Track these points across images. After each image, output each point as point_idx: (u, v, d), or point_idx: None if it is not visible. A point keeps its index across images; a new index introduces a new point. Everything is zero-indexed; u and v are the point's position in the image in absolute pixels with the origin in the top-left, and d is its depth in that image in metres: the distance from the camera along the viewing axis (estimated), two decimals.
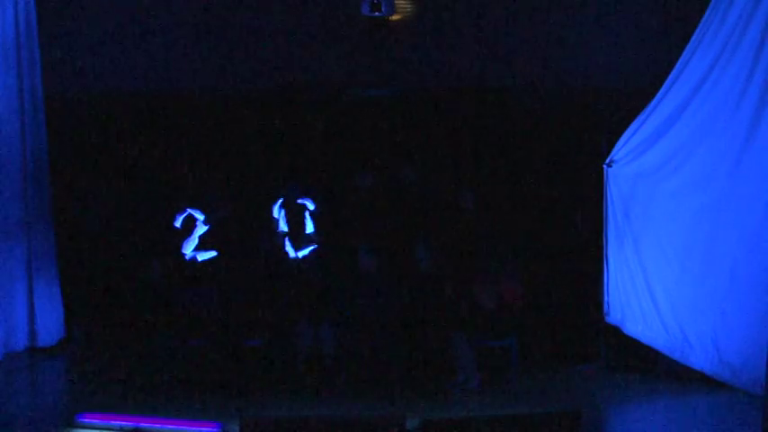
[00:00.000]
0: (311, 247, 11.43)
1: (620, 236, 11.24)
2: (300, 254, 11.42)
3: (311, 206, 11.51)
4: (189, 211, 11.56)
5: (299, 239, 11.48)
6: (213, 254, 11.46)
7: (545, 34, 12.74)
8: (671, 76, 10.80)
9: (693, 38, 10.64)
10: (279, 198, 11.57)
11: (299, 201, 11.53)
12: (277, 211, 11.54)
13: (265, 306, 11.01)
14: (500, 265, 11.24)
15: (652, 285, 10.99)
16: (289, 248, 11.47)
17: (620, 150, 11.23)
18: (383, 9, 12.63)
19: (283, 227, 11.50)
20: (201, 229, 11.52)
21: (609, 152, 11.32)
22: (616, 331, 11.33)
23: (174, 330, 10.93)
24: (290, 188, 11.75)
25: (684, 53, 10.70)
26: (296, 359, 10.78)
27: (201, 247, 11.49)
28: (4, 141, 11.88)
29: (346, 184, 12.28)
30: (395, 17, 12.86)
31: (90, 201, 12.63)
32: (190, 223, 11.55)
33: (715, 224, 10.46)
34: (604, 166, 11.35)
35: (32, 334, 12.17)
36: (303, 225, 11.52)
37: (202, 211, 11.58)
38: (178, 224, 11.53)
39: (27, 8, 12.07)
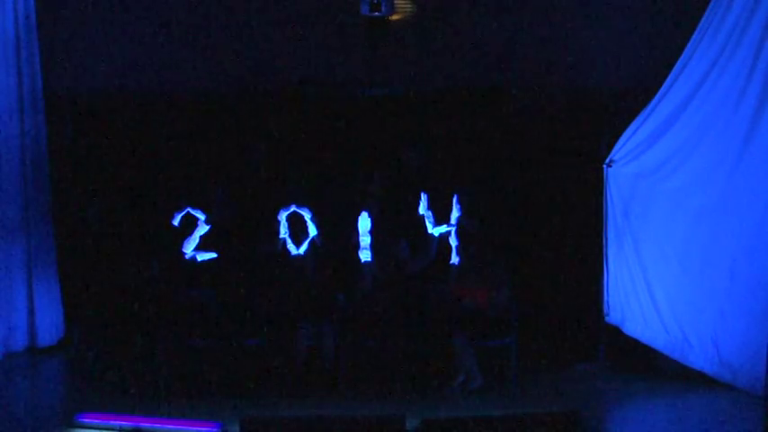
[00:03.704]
0: (309, 239, 11.45)
1: (620, 236, 11.25)
2: (301, 249, 11.44)
3: (308, 215, 11.52)
4: (188, 209, 11.56)
5: (300, 239, 11.49)
6: (213, 255, 11.46)
7: (545, 34, 12.74)
8: (671, 76, 10.81)
9: (693, 38, 10.65)
10: (284, 206, 11.57)
11: (298, 210, 11.55)
12: (281, 218, 11.55)
13: (265, 306, 11.01)
14: (498, 266, 11.25)
15: (652, 285, 10.99)
16: (291, 246, 11.49)
17: (620, 150, 11.24)
18: (383, 9, 12.63)
19: (284, 232, 11.51)
20: (203, 228, 11.52)
21: (609, 152, 11.33)
22: (616, 331, 11.34)
23: (174, 330, 10.93)
24: (292, 192, 11.76)
25: (684, 53, 10.71)
26: (296, 359, 10.78)
27: (202, 247, 11.50)
28: (3, 141, 11.89)
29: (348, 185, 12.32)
30: (395, 17, 12.86)
31: (90, 201, 12.61)
32: (190, 223, 11.55)
33: (714, 224, 10.46)
34: (604, 166, 11.36)
35: (32, 334, 12.18)
36: (304, 228, 11.52)
37: (203, 211, 11.59)
38: (176, 222, 11.53)
39: (27, 8, 12.07)
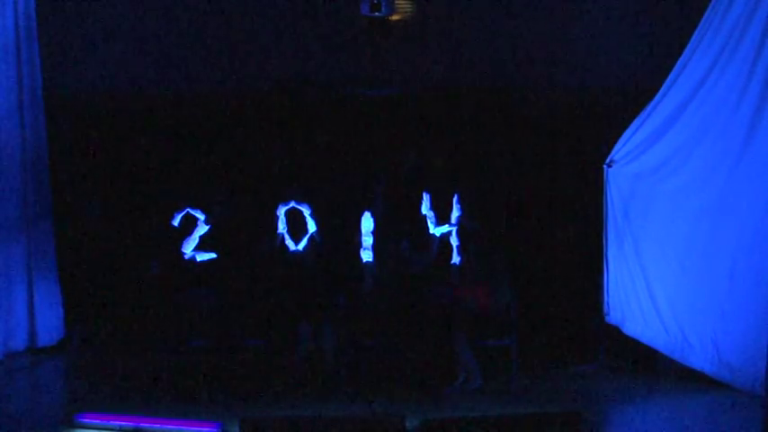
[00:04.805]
0: (308, 235, 11.47)
1: (620, 236, 11.25)
2: (300, 246, 11.46)
3: (308, 210, 11.55)
4: (188, 210, 11.57)
5: (298, 236, 11.51)
6: (212, 255, 11.46)
7: (545, 34, 12.75)
8: (671, 76, 10.81)
9: (693, 38, 10.65)
10: (282, 203, 11.60)
11: (297, 206, 11.57)
12: (280, 214, 11.58)
13: (265, 306, 11.01)
14: (498, 266, 11.25)
15: (652, 285, 10.99)
16: (289, 243, 11.50)
17: (620, 150, 11.24)
18: (383, 9, 12.64)
19: (282, 228, 11.54)
20: (202, 228, 11.52)
21: (609, 152, 11.33)
22: (616, 331, 11.34)
23: (174, 330, 10.93)
24: (291, 191, 11.78)
25: (684, 53, 10.71)
26: (296, 359, 10.78)
27: (201, 247, 11.50)
28: (4, 141, 11.89)
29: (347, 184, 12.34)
30: (395, 17, 12.86)
31: (90, 201, 12.62)
32: (190, 223, 11.56)
33: (715, 224, 10.46)
34: (604, 166, 11.35)
35: (32, 334, 12.17)
36: (303, 225, 11.55)
37: (203, 211, 11.59)
38: (176, 223, 11.54)
39: (27, 8, 12.07)
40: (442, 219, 11.60)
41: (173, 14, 12.88)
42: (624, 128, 11.21)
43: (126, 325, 12.02)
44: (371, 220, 11.56)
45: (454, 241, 11.45)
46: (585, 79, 12.70)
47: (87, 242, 12.43)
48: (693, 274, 10.62)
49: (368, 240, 11.50)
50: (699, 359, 10.64)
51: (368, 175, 12.47)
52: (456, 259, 11.42)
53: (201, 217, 11.57)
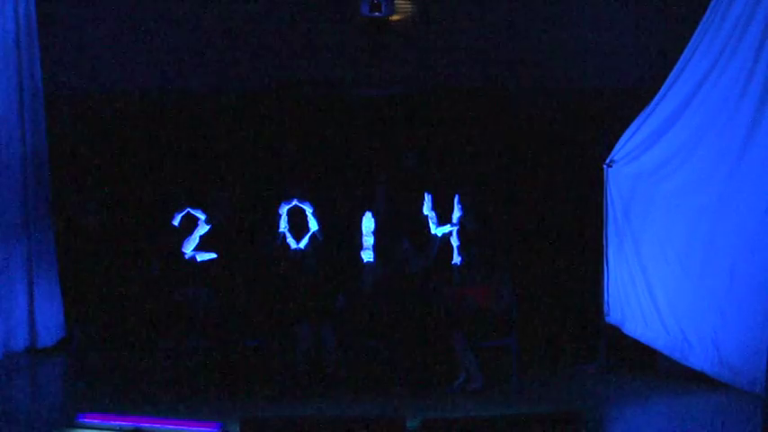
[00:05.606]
0: (310, 234, 11.47)
1: (620, 236, 11.26)
2: (302, 244, 11.45)
3: (309, 209, 11.54)
4: (188, 210, 11.57)
5: (300, 234, 11.51)
6: (213, 255, 11.46)
7: (545, 34, 12.75)
8: (671, 76, 10.81)
9: (693, 38, 10.65)
10: (285, 201, 11.60)
11: (299, 204, 11.57)
12: (282, 212, 11.58)
13: (265, 306, 11.01)
14: (499, 266, 11.26)
15: (652, 285, 10.99)
16: (291, 241, 11.49)
17: (620, 150, 11.24)
18: (383, 9, 12.65)
19: (284, 227, 11.53)
20: (203, 228, 11.52)
21: (609, 152, 11.33)
22: (616, 331, 11.34)
23: (174, 330, 10.93)
24: (293, 190, 11.77)
25: (684, 53, 10.71)
26: (296, 359, 10.78)
27: (201, 247, 11.50)
28: (3, 141, 11.89)
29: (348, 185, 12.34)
30: (395, 17, 12.87)
31: (90, 201, 12.62)
32: (190, 222, 11.56)
33: (715, 224, 10.46)
34: (604, 166, 11.36)
35: (32, 334, 12.18)
36: (305, 224, 11.54)
37: (203, 211, 11.59)
38: (176, 223, 11.53)
39: (27, 8, 12.08)
40: (443, 219, 11.59)
41: (173, 14, 12.89)
42: (624, 128, 11.21)
43: (126, 325, 12.01)
44: (372, 219, 11.56)
45: (455, 241, 11.45)
46: (585, 79, 12.71)
47: (87, 242, 12.42)
48: (693, 274, 10.62)
49: (369, 240, 11.49)
50: (699, 359, 10.65)
51: (369, 175, 12.47)
52: (457, 259, 11.41)
53: (202, 217, 11.56)
